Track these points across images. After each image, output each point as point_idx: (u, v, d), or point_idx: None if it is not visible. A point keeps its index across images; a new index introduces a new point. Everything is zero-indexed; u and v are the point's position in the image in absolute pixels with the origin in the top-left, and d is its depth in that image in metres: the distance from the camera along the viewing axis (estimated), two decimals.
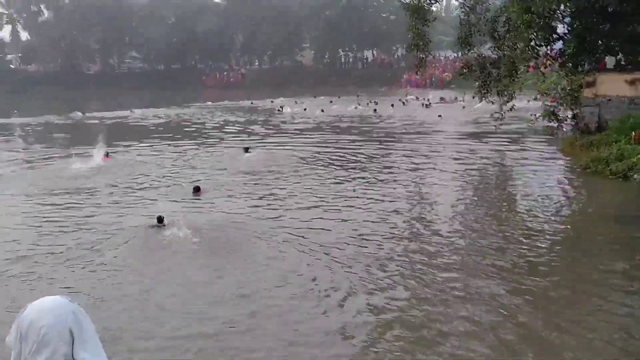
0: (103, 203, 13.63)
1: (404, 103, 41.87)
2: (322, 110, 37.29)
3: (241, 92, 59.35)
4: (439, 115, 31.75)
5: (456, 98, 43.88)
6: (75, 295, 7.93)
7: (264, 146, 22.16)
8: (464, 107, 37.20)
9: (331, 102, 44.69)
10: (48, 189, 15.35)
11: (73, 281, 8.55)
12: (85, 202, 13.76)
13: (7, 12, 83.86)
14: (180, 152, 21.55)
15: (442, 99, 44.95)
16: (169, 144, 24.17)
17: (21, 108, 42.73)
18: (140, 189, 15.25)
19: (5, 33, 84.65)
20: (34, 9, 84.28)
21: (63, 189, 15.28)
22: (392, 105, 39.78)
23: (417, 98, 45.52)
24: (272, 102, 47.77)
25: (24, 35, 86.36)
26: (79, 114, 40.79)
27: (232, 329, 6.99)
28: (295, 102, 45.61)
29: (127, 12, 79.60)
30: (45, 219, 12.29)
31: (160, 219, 11.13)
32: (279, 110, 40.14)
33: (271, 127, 30.93)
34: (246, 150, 19.63)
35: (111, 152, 20.00)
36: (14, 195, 14.95)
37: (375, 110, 36.79)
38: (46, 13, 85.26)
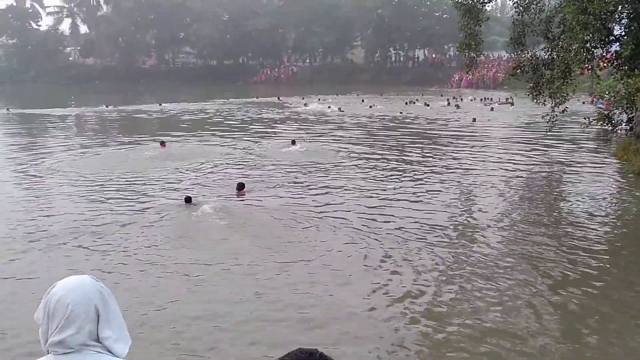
0: (149, 185, 15.00)
1: (448, 103, 41.12)
2: (340, 109, 37.44)
3: (291, 89, 59.72)
4: (474, 119, 30.69)
5: (507, 99, 43.28)
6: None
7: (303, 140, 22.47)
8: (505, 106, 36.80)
9: (363, 100, 44.22)
10: (104, 172, 16.77)
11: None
12: (134, 183, 15.28)
13: (67, 6, 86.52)
14: (229, 144, 22.52)
15: (483, 99, 44.12)
16: (218, 136, 25.14)
17: (78, 100, 44.13)
18: (187, 174, 16.45)
19: (65, 26, 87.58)
20: (93, 3, 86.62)
21: (121, 173, 16.73)
22: (427, 104, 39.39)
23: (460, 99, 44.81)
24: (302, 99, 47.85)
25: (83, 29, 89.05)
26: (143, 106, 42.36)
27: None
28: (319, 99, 46.21)
29: (181, 9, 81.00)
30: (96, 199, 13.60)
31: (188, 199, 12.47)
32: (305, 106, 40.82)
33: (295, 122, 31.62)
34: (293, 142, 20.94)
35: (167, 142, 21.58)
36: (71, 179, 16.11)
37: (400, 112, 35.75)
38: (105, 8, 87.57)
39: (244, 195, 13.66)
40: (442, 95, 47.29)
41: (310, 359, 1.54)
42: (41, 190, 14.77)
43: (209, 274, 8.62)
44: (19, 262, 9.23)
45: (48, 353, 2.09)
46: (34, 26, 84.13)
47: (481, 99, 44.27)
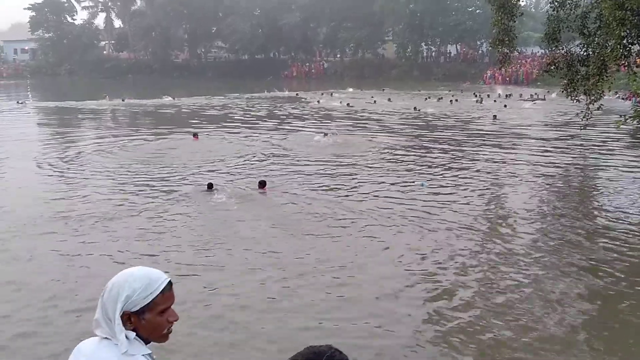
0: (178, 173, 16.38)
1: (480, 100, 39.83)
2: (348, 104, 37.43)
3: (321, 84, 59.74)
4: (494, 116, 30.07)
5: (536, 95, 42.67)
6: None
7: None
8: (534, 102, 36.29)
9: (372, 97, 43.06)
10: (137, 162, 18.12)
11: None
12: (162, 172, 16.72)
13: (102, 1, 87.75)
14: (258, 136, 23.66)
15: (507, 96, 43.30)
16: (247, 129, 26.20)
17: (112, 93, 44.85)
18: (216, 165, 17.41)
19: (100, 21, 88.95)
20: None
21: (156, 161, 18.16)
22: (451, 101, 38.90)
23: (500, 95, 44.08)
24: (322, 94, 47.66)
25: (117, 23, 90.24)
26: (169, 98, 42.92)
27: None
28: (332, 94, 46.47)
29: (214, 3, 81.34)
30: (128, 184, 15.10)
31: (210, 185, 13.92)
32: (318, 102, 40.79)
33: (308, 116, 32.32)
34: (324, 135, 22.19)
35: (200, 134, 22.86)
36: (105, 166, 17.55)
37: (415, 107, 35.19)
38: (138, 2, 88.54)
39: (266, 192, 13.94)
40: (462, 92, 46.57)
41: (318, 359, 1.59)
42: (77, 175, 16.34)
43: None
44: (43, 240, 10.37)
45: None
46: (70, 20, 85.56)
47: (506, 96, 43.39)
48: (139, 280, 2.13)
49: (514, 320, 7.01)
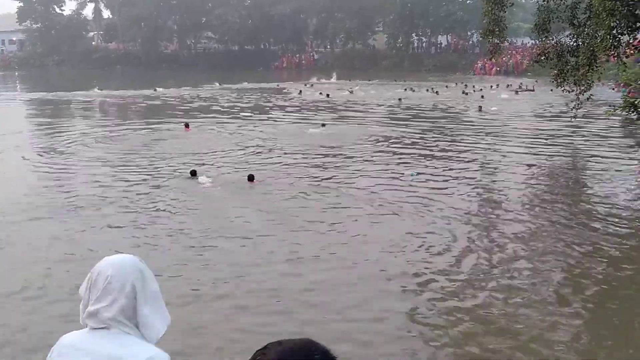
0: (167, 162, 16.59)
1: (464, 92, 39.21)
2: (328, 95, 37.62)
3: (311, 74, 59.62)
4: (480, 107, 29.86)
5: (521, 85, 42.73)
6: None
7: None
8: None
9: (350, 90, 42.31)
10: (129, 152, 18.22)
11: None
12: (153, 158, 17.08)
13: None
14: (248, 126, 23.91)
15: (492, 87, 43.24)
16: (240, 119, 26.41)
17: (101, 84, 44.61)
18: (205, 156, 17.45)
19: (88, 11, 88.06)
20: None
21: (146, 151, 18.40)
22: (437, 92, 38.83)
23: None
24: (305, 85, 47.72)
25: (106, 14, 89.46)
26: (160, 89, 42.67)
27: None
28: (307, 84, 46.92)
29: None
30: (118, 173, 15.26)
31: (193, 172, 14.41)
32: (299, 93, 40.59)
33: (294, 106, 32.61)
34: (322, 125, 22.92)
35: (191, 124, 23.13)
36: (98, 156, 17.62)
37: (399, 99, 34.98)
38: None
39: (254, 184, 14.00)
40: (456, 84, 46.47)
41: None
42: (69, 164, 16.60)
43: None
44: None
45: (86, 327, 2.20)
46: (58, 11, 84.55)
47: (491, 86, 43.33)
48: (134, 264, 2.24)
49: (514, 311, 7.08)
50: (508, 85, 43.65)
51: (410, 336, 6.58)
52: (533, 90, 40.24)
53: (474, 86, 43.30)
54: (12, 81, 58.81)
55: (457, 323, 6.83)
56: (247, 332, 6.64)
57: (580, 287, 7.81)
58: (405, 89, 41.75)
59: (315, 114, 28.01)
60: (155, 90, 42.16)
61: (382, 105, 32.79)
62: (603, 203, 11.87)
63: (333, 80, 52.34)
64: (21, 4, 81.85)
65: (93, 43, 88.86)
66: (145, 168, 15.85)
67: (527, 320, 6.78)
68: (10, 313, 7.28)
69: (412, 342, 6.48)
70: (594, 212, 11.17)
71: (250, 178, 14.10)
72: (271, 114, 28.81)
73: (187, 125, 22.86)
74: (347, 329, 6.67)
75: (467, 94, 38.02)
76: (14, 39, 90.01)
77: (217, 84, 47.88)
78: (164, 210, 11.61)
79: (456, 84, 44.18)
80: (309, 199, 12.38)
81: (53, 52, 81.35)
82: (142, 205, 12.00)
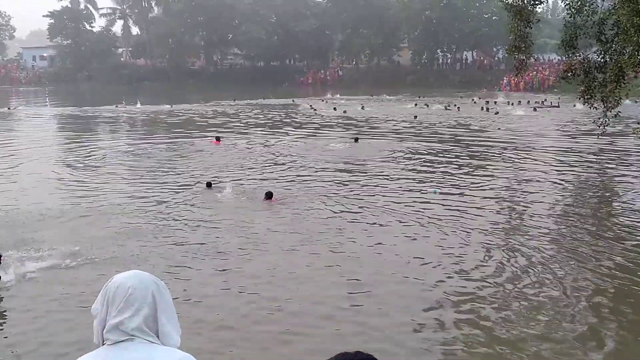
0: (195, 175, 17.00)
1: (485, 109, 38.53)
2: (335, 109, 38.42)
3: (336, 90, 59.80)
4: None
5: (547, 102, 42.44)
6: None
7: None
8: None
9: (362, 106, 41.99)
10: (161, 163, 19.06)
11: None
12: (176, 171, 17.64)
13: (119, 8, 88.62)
14: (278, 141, 24.23)
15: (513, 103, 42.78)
16: (269, 134, 26.80)
17: (128, 100, 45.26)
18: (232, 171, 17.70)
19: (117, 28, 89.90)
20: (144, 4, 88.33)
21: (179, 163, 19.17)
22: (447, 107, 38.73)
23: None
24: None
25: (135, 30, 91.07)
26: (196, 103, 43.53)
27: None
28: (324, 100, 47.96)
29: (230, 11, 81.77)
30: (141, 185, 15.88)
31: (209, 184, 14.69)
32: (311, 107, 41.07)
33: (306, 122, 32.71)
34: (356, 140, 23.07)
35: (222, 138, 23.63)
36: (131, 167, 18.57)
37: (415, 117, 34.23)
38: (156, 10, 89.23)
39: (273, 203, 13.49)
40: (478, 99, 46.26)
41: None
42: (98, 174, 17.23)
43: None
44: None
45: (102, 344, 2.18)
46: (88, 27, 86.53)
47: (510, 103, 43.10)
48: (150, 276, 2.28)
49: (537, 323, 7.04)
50: (529, 102, 43.27)
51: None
52: (558, 107, 39.91)
53: (495, 102, 43.15)
54: (42, 96, 59.97)
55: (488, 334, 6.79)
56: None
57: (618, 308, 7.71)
58: (427, 105, 41.78)
59: (345, 130, 28.19)
60: (171, 106, 42.49)
61: (402, 120, 32.74)
62: (633, 219, 11.69)
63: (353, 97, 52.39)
64: (52, 21, 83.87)
65: (122, 59, 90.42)
66: (170, 181, 16.18)
67: (561, 339, 6.73)
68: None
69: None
70: (625, 227, 11.02)
71: (268, 196, 13.54)
72: (286, 129, 29.12)
73: (217, 139, 23.11)
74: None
75: (488, 110, 37.72)
76: (45, 55, 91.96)
77: (233, 100, 47.94)
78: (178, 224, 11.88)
79: (474, 100, 44.18)
80: (341, 217, 12.28)
81: (83, 68, 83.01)
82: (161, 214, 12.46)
